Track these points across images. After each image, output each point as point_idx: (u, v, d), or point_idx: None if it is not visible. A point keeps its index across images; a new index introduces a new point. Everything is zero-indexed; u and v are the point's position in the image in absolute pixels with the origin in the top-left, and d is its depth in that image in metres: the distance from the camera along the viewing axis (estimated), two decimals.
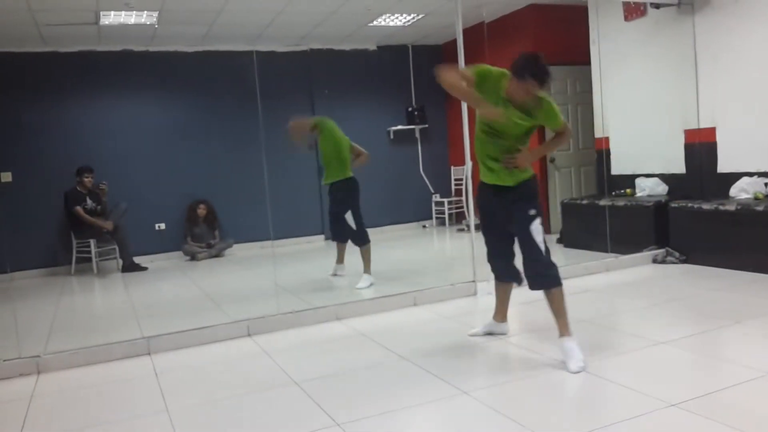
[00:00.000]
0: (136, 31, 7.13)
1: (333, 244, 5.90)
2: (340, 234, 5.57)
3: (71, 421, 2.94)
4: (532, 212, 3.27)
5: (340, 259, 5.81)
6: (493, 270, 3.65)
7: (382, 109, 9.05)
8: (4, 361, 3.63)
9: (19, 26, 6.49)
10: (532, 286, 3.32)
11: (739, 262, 4.98)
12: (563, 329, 3.19)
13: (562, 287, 3.24)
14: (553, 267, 3.27)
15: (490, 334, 3.71)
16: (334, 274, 5.83)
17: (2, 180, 7.31)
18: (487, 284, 4.81)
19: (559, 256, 6.30)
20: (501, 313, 3.71)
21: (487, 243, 3.57)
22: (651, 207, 5.78)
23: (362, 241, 5.40)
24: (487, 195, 3.46)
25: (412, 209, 9.29)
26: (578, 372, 3.00)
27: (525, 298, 4.54)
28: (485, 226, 3.55)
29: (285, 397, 3.00)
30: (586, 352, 3.31)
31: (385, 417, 2.68)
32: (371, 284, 5.26)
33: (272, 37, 7.96)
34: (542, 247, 3.25)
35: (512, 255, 3.53)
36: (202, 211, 8.01)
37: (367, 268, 5.38)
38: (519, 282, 3.57)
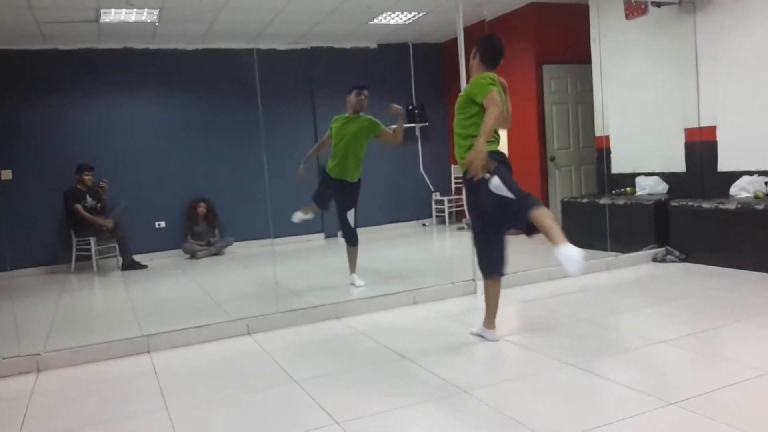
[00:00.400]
0: (137, 29, 7.12)
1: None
2: (326, 207, 5.54)
3: (71, 419, 2.94)
4: (487, 176, 3.28)
5: (307, 211, 5.73)
6: (482, 262, 3.61)
7: (383, 108, 9.02)
8: (4, 359, 3.63)
9: (19, 24, 6.49)
10: (528, 232, 3.26)
11: (740, 261, 4.98)
12: (553, 240, 3.04)
13: (541, 206, 3.16)
14: (526, 199, 3.22)
15: (481, 337, 3.68)
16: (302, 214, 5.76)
17: (2, 178, 7.31)
18: None
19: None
20: (490, 319, 3.63)
21: (478, 234, 3.58)
22: (651, 206, 5.78)
23: (355, 241, 5.38)
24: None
25: (412, 208, 9.29)
26: (577, 274, 2.96)
27: (526, 296, 4.55)
28: (473, 219, 3.61)
29: (284, 396, 3.00)
30: (586, 351, 3.31)
31: (384, 415, 2.68)
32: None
33: (273, 35, 7.96)
34: (510, 194, 3.23)
35: (500, 243, 3.52)
36: (202, 209, 8.01)
37: (355, 269, 5.38)
38: (502, 273, 3.57)
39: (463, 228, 8.55)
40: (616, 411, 2.57)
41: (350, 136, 5.17)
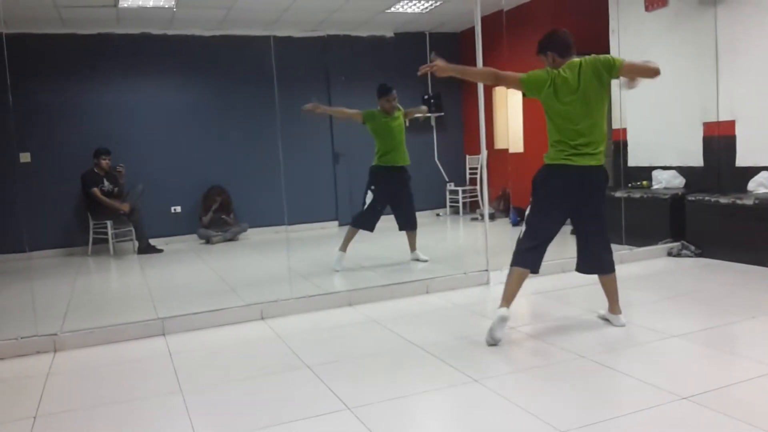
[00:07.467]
0: (155, 14, 7.15)
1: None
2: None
3: (86, 398, 2.99)
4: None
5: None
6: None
7: (398, 97, 8.98)
8: (22, 338, 3.69)
9: (38, 8, 6.54)
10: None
11: (756, 257, 4.93)
12: None
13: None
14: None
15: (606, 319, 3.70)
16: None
17: (21, 161, 7.39)
18: (500, 273, 4.81)
19: (573, 247, 6.26)
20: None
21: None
22: (667, 200, 5.73)
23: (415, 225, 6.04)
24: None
25: (427, 197, 9.25)
26: None
27: (539, 287, 4.55)
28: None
29: (297, 381, 3.03)
30: (598, 343, 3.31)
31: (395, 402, 2.70)
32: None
33: (289, 23, 7.95)
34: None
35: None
36: (217, 200, 8.06)
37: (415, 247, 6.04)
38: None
39: (477, 218, 8.54)
40: (628, 404, 2.57)
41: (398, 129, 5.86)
